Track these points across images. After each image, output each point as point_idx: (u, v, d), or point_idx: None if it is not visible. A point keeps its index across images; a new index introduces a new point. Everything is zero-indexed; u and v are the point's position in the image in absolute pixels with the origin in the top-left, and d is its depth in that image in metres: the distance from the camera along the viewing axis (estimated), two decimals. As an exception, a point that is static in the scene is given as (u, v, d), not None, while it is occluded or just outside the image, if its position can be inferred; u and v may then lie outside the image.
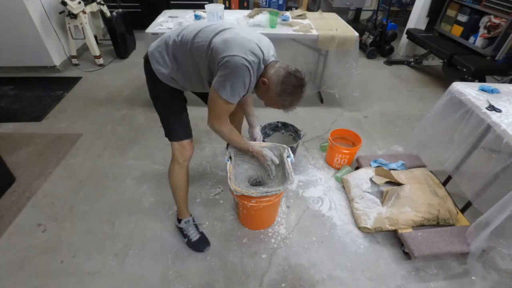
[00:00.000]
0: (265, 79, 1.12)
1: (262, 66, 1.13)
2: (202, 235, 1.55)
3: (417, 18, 3.75)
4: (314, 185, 1.94)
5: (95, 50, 3.28)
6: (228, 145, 1.55)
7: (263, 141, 1.94)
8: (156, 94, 1.28)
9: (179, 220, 1.55)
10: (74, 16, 2.98)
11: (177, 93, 1.31)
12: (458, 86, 1.54)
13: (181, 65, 1.19)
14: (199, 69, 1.18)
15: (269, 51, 1.18)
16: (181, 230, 1.56)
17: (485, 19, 3.00)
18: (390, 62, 3.77)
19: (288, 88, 1.09)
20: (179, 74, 1.21)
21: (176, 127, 1.32)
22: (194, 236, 1.52)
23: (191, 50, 1.14)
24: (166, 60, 1.19)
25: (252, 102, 1.59)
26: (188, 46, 1.14)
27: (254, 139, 1.62)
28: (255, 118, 1.60)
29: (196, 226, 1.57)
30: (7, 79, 3.04)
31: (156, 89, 1.27)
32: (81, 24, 3.05)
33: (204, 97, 1.42)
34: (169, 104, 1.30)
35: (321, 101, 2.88)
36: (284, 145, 1.53)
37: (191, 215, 1.59)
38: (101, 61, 3.37)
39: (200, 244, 1.51)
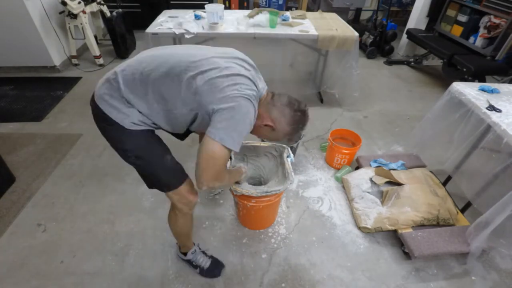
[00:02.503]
0: (271, 124, 1.01)
1: (259, 97, 0.99)
2: (213, 259, 1.43)
3: (417, 18, 3.75)
4: (314, 185, 1.94)
5: (95, 50, 3.28)
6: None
7: (263, 141, 1.95)
8: (125, 147, 0.99)
9: (184, 253, 1.39)
10: (74, 16, 2.97)
11: (150, 135, 1.03)
12: (458, 86, 1.54)
13: (151, 106, 0.93)
14: (179, 113, 0.95)
15: (256, 75, 1.01)
16: (189, 262, 1.40)
17: (485, 19, 3.00)
18: (390, 62, 3.77)
19: (298, 126, 1.05)
20: (151, 116, 0.96)
21: (166, 176, 1.07)
22: (205, 263, 1.39)
23: (164, 92, 0.90)
24: (130, 102, 0.91)
25: None
26: (157, 86, 0.90)
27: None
28: None
29: (204, 252, 1.44)
30: (7, 79, 3.04)
31: (124, 141, 0.97)
32: (81, 24, 3.05)
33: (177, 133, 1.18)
34: (145, 154, 1.01)
35: (321, 101, 2.88)
36: (284, 145, 1.53)
37: (194, 244, 1.42)
38: (101, 61, 3.37)
39: (215, 269, 1.41)
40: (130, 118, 0.93)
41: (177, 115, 0.95)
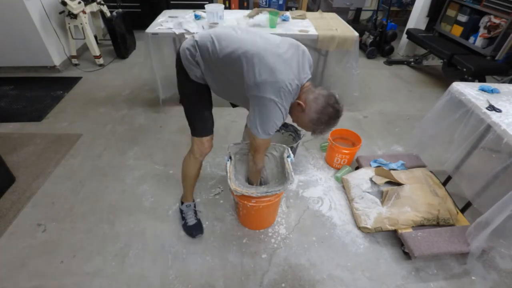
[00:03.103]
0: (302, 103, 1.10)
1: (297, 92, 1.12)
2: (198, 222, 1.62)
3: (417, 18, 3.75)
4: (314, 185, 1.94)
5: (95, 50, 3.28)
6: (228, 145, 1.55)
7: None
8: (183, 91, 1.30)
9: (182, 203, 1.65)
10: (74, 16, 2.97)
11: (205, 91, 1.30)
12: (458, 86, 1.54)
13: (213, 73, 1.19)
14: (231, 85, 1.20)
15: (306, 67, 1.15)
16: (181, 212, 1.64)
17: (485, 19, 3.00)
18: (390, 62, 3.77)
19: (323, 118, 1.09)
20: (211, 80, 1.22)
21: (199, 124, 1.35)
22: (191, 221, 1.59)
23: (222, 67, 1.14)
24: (199, 63, 1.18)
25: None
26: (219, 62, 1.13)
27: None
28: None
29: (195, 212, 1.65)
30: (7, 79, 3.04)
31: (185, 87, 1.28)
32: (81, 24, 3.05)
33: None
34: (195, 103, 1.31)
35: (321, 101, 2.88)
36: (284, 145, 1.53)
37: (193, 201, 1.67)
38: (101, 61, 3.37)
39: (193, 230, 1.58)
40: (194, 72, 1.20)
41: (226, 87, 1.24)
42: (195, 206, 1.67)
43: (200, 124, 1.35)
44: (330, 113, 1.09)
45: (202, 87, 1.27)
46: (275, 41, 1.12)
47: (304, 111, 1.11)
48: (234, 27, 1.21)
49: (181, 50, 1.21)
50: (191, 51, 1.18)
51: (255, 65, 1.03)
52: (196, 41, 1.17)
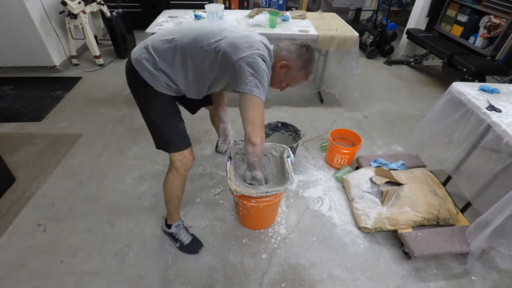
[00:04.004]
0: (284, 62, 1.17)
1: (272, 57, 1.17)
2: (194, 237, 1.53)
3: (417, 18, 3.75)
4: (314, 185, 1.94)
5: (95, 50, 3.28)
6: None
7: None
8: (150, 106, 1.19)
9: (169, 226, 1.50)
10: (74, 16, 2.98)
11: (173, 101, 1.25)
12: (458, 86, 1.54)
13: (177, 71, 1.12)
14: (202, 75, 1.14)
15: (268, 43, 1.21)
16: (171, 235, 1.51)
17: (485, 19, 3.00)
18: (390, 62, 3.77)
19: (308, 58, 1.19)
20: (176, 80, 1.15)
21: (177, 138, 1.26)
22: (186, 239, 1.50)
23: (191, 56, 1.10)
24: (160, 67, 1.10)
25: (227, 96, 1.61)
26: (184, 52, 1.09)
27: (227, 136, 1.57)
28: (228, 113, 1.60)
29: (186, 229, 1.53)
30: (7, 79, 3.04)
31: (150, 101, 1.18)
32: (81, 24, 3.05)
33: (189, 104, 1.47)
34: (166, 115, 1.22)
35: (321, 101, 2.88)
36: (284, 145, 1.53)
37: (180, 218, 1.54)
38: (101, 61, 3.37)
39: (194, 246, 1.50)
40: (159, 82, 1.12)
41: (199, 76, 1.14)
42: (183, 223, 1.54)
43: (179, 137, 1.26)
44: (307, 50, 1.19)
45: (170, 98, 1.21)
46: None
47: (291, 66, 1.18)
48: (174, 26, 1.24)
49: (136, 65, 1.12)
50: (149, 61, 1.10)
51: (227, 34, 1.09)
52: (153, 48, 1.11)
